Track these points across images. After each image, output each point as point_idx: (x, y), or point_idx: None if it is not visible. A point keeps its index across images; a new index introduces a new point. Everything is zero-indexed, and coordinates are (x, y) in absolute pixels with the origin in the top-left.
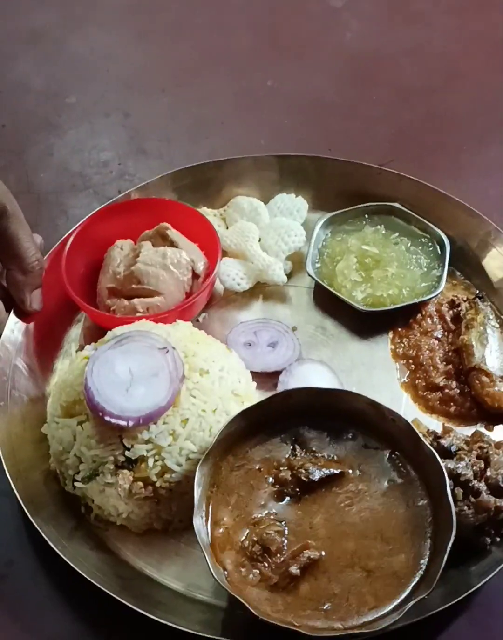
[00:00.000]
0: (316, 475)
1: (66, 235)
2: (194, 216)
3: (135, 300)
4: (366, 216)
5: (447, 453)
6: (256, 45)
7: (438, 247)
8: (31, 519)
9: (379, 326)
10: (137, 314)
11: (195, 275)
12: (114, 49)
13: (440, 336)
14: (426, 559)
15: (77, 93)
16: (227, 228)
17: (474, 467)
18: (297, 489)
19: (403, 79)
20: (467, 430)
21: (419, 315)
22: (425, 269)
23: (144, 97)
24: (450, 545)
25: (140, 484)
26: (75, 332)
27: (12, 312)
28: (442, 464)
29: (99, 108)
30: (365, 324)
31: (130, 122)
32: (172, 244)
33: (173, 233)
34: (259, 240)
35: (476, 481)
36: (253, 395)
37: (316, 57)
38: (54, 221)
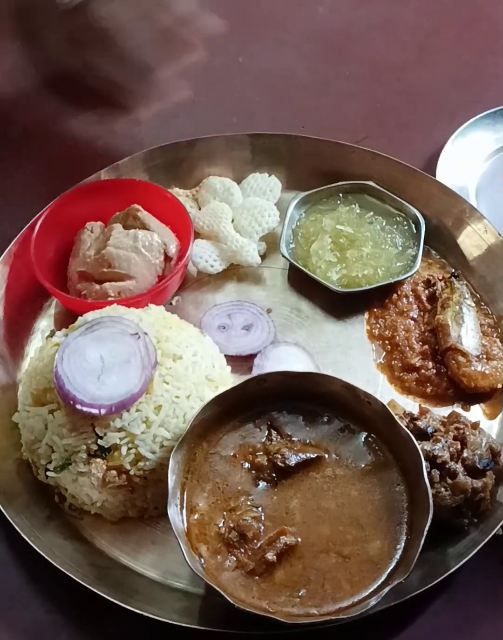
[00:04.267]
0: (293, 460)
1: (34, 218)
2: (166, 197)
3: (106, 285)
4: (341, 195)
5: (423, 435)
6: (227, 20)
7: (413, 225)
8: (2, 510)
9: (355, 307)
10: (109, 299)
11: (167, 258)
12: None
13: (416, 316)
14: (403, 544)
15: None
16: (199, 209)
17: (451, 449)
18: (273, 474)
19: (375, 54)
20: (444, 411)
21: (395, 295)
22: (400, 248)
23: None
24: (427, 528)
25: (114, 472)
26: (45, 318)
27: None
28: (419, 446)
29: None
30: (340, 305)
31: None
32: (144, 226)
33: (144, 214)
34: (233, 221)
35: (453, 463)
36: (228, 380)
37: (288, 33)
38: (23, 203)
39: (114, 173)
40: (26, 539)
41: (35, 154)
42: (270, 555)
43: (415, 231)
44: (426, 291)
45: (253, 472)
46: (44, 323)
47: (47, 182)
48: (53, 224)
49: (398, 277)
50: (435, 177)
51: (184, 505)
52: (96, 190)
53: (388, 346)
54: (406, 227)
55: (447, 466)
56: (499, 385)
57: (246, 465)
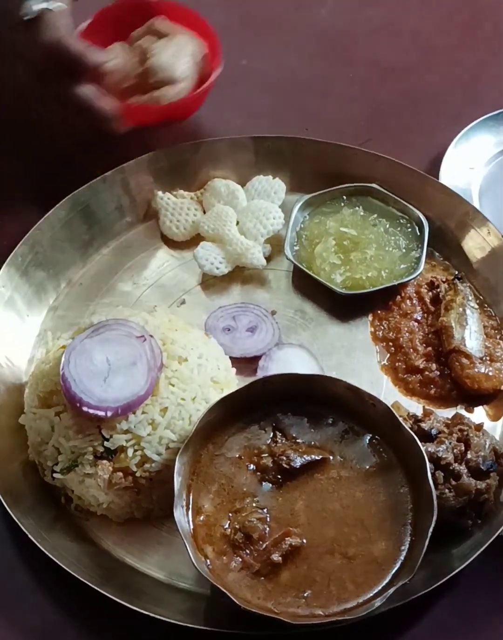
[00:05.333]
0: (298, 462)
1: None
2: (185, 14)
3: (162, 90)
4: (344, 197)
5: (427, 436)
6: (230, 23)
7: (416, 228)
8: (9, 511)
9: (358, 309)
10: (168, 100)
11: (202, 59)
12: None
13: (419, 318)
14: (407, 545)
15: None
16: (204, 212)
17: (454, 450)
18: (278, 476)
19: (378, 57)
20: (447, 412)
21: (398, 297)
22: (404, 251)
23: None
24: (431, 529)
25: (120, 474)
26: (52, 319)
27: None
28: (423, 448)
29: None
30: (344, 307)
31: None
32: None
33: (166, 25)
34: (237, 223)
35: (456, 464)
36: (233, 382)
37: (291, 36)
38: (30, 204)
39: (119, 175)
40: (33, 540)
41: (42, 155)
42: (275, 557)
43: (418, 233)
44: (430, 293)
45: (258, 473)
46: (51, 325)
47: (51, 184)
48: None
49: (402, 280)
50: (438, 179)
51: (190, 506)
52: (115, 15)
53: (392, 348)
54: (409, 230)
55: (450, 468)
56: (502, 387)
57: (252, 466)
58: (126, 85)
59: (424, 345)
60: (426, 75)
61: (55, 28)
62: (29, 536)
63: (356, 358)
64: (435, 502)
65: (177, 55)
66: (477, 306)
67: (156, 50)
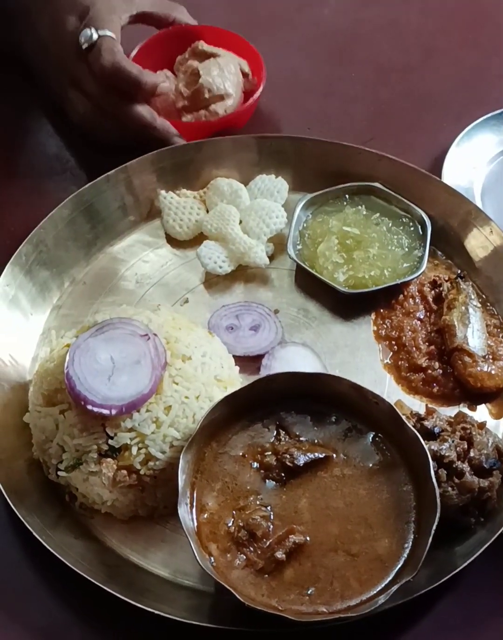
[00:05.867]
0: (301, 460)
1: None
2: (225, 36)
3: (212, 107)
4: (347, 196)
5: (430, 435)
6: (233, 23)
7: (419, 226)
8: (14, 509)
9: (361, 308)
10: (219, 117)
11: (244, 74)
12: None
13: (422, 317)
14: (410, 543)
15: None
16: (207, 211)
17: (457, 448)
18: (282, 474)
19: (380, 56)
20: (450, 411)
21: (401, 296)
22: (407, 250)
23: None
24: (434, 527)
25: (124, 472)
26: (55, 318)
27: None
28: (426, 446)
29: None
30: (347, 305)
31: None
32: (214, 54)
33: (208, 47)
34: (240, 222)
35: (459, 462)
36: (236, 380)
37: (294, 35)
38: (33, 203)
39: (123, 174)
40: (38, 537)
41: (45, 154)
42: (279, 554)
43: (421, 232)
44: (433, 292)
45: (262, 471)
46: (55, 323)
47: (54, 183)
48: None
49: (405, 278)
50: (440, 178)
51: (194, 504)
52: (162, 40)
53: (395, 347)
54: (412, 228)
55: (454, 466)
56: None
57: (255, 464)
58: (179, 105)
59: (427, 343)
60: (429, 74)
61: (112, 53)
62: (34, 534)
63: (359, 356)
64: (438, 500)
65: (223, 73)
66: (479, 305)
67: (203, 70)
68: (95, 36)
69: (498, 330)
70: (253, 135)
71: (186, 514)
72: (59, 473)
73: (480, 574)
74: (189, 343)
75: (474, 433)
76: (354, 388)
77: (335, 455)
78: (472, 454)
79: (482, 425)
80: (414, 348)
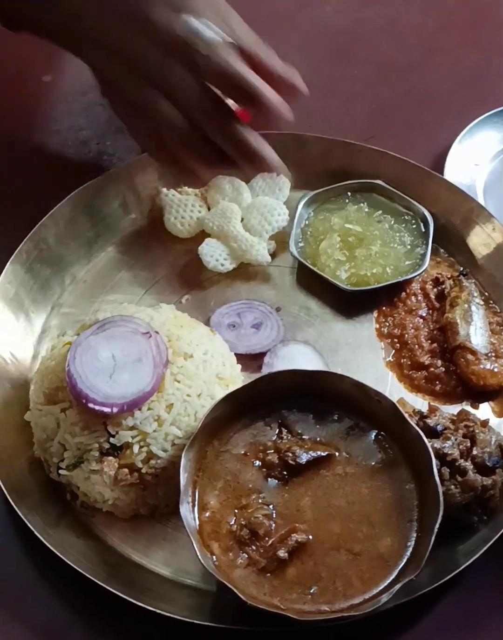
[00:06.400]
0: (304, 458)
1: None
2: None
3: None
4: (349, 194)
5: (433, 433)
6: None
7: (421, 224)
8: (15, 508)
9: (363, 305)
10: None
11: None
12: None
13: (424, 314)
14: (413, 541)
15: (53, 71)
16: (209, 209)
17: (460, 446)
18: (284, 472)
19: (381, 55)
20: (453, 409)
21: (403, 294)
22: (409, 247)
23: None
24: (437, 525)
25: (125, 470)
26: (57, 316)
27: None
28: (428, 444)
29: (76, 86)
30: (349, 303)
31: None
32: None
33: None
34: (242, 220)
35: (462, 460)
36: (238, 378)
37: (295, 34)
38: (34, 201)
39: (124, 171)
40: (39, 536)
41: (46, 152)
42: (281, 553)
43: (423, 230)
44: (435, 290)
45: (264, 470)
46: (56, 322)
47: (57, 181)
48: None
49: (407, 276)
50: (443, 176)
51: (196, 503)
52: None
53: (397, 344)
54: (414, 226)
55: (456, 464)
56: None
57: (257, 463)
58: None
59: (429, 341)
60: (430, 73)
61: (234, 57)
62: (35, 532)
63: (361, 354)
64: (441, 499)
65: None
66: (482, 302)
67: None
68: (209, 32)
69: (501, 327)
70: None
71: (188, 513)
72: (60, 471)
73: (483, 573)
74: (190, 341)
75: (477, 431)
76: (356, 386)
77: (337, 454)
78: (474, 452)
79: (484, 423)
80: (416, 346)
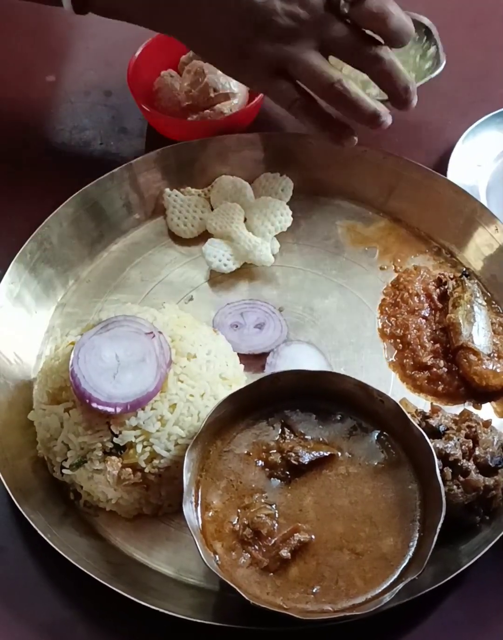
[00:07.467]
0: (306, 458)
1: None
2: None
3: (217, 106)
4: None
5: (435, 433)
6: None
7: (422, 29)
8: (19, 507)
9: (366, 305)
10: (224, 116)
11: None
12: (95, 27)
13: (427, 315)
14: (416, 541)
15: (57, 71)
16: (212, 209)
17: (463, 447)
18: (287, 472)
19: None
20: (455, 409)
21: (406, 294)
22: (421, 51)
23: (124, 75)
24: (440, 525)
25: (129, 470)
26: (59, 315)
27: None
28: (431, 444)
29: (79, 87)
30: (352, 303)
31: (111, 101)
32: None
33: None
34: (245, 220)
35: (465, 460)
36: (241, 378)
37: None
38: (38, 201)
39: (127, 172)
40: (42, 535)
41: (49, 152)
42: (284, 552)
43: (425, 36)
44: (438, 290)
45: (267, 469)
46: (59, 321)
47: (61, 182)
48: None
49: (433, 73)
50: (446, 176)
51: (199, 502)
52: (156, 49)
53: (400, 345)
54: (417, 37)
55: (459, 464)
56: None
57: (260, 463)
58: (184, 105)
59: (432, 342)
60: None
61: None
62: (39, 532)
63: (364, 355)
64: (444, 499)
65: None
66: (484, 303)
67: (208, 69)
68: None
69: None
70: (258, 133)
71: (191, 512)
72: (64, 471)
73: (485, 573)
74: (194, 341)
75: (479, 431)
76: (359, 386)
77: (339, 454)
78: (477, 452)
79: (487, 424)
80: (419, 346)
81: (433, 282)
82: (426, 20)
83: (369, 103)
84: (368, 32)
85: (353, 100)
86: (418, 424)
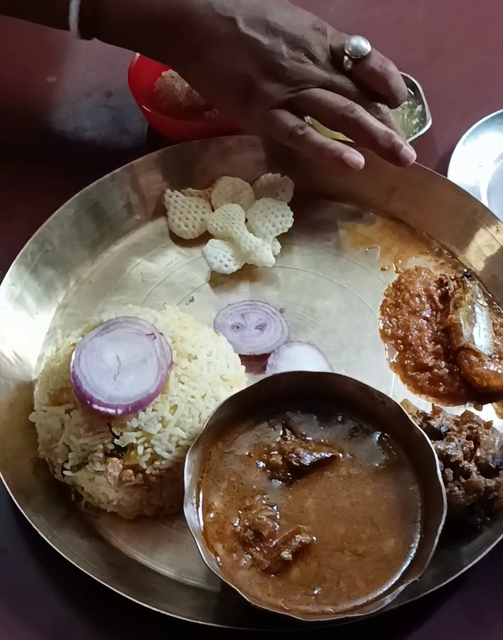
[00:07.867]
0: (307, 459)
1: None
2: None
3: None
4: None
5: (436, 434)
6: None
7: (409, 89)
8: (20, 509)
9: (367, 306)
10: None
11: None
12: None
13: (428, 316)
14: (417, 543)
15: (58, 72)
16: (213, 210)
17: (464, 448)
18: (288, 474)
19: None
20: (457, 410)
21: (407, 295)
22: (408, 109)
23: (125, 76)
24: (441, 527)
25: (130, 471)
26: (60, 317)
27: None
28: (432, 446)
29: (80, 88)
30: (353, 304)
31: (112, 102)
32: None
33: None
34: (246, 221)
35: (466, 462)
36: (242, 379)
37: None
38: (39, 202)
39: (128, 173)
40: (44, 537)
41: (50, 153)
42: (285, 554)
43: (413, 93)
44: (439, 291)
45: (268, 471)
46: (60, 323)
47: (62, 183)
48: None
49: (420, 131)
50: (446, 177)
51: (200, 504)
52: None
53: (401, 346)
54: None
55: (460, 465)
56: None
57: (261, 464)
58: (185, 106)
59: (433, 343)
60: (435, 73)
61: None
62: (40, 533)
63: (365, 356)
64: (445, 500)
65: None
66: (485, 304)
67: None
68: (368, 47)
69: None
70: (259, 135)
71: (192, 514)
72: (65, 472)
73: (487, 574)
74: (195, 342)
75: (480, 432)
76: (360, 387)
77: (341, 455)
78: (478, 454)
79: (488, 425)
80: (420, 347)
81: (434, 283)
82: (410, 77)
83: (380, 125)
84: None
85: (366, 123)
86: (419, 425)
